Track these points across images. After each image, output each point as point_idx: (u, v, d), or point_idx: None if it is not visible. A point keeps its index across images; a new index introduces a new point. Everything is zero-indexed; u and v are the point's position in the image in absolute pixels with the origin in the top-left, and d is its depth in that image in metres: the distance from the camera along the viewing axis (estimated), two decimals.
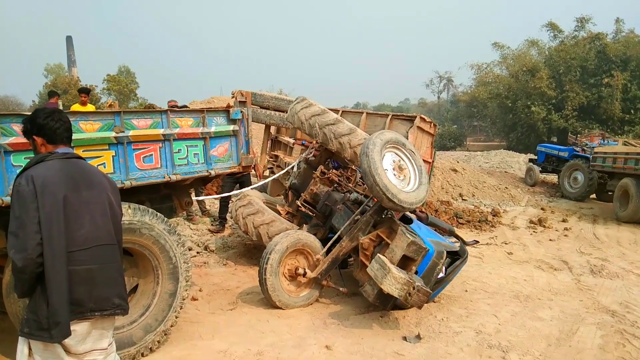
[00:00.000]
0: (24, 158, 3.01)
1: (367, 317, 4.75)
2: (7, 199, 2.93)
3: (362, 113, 8.56)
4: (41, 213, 2.14)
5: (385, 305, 4.58)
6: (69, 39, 56.92)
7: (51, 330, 2.17)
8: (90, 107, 9.32)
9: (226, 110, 4.19)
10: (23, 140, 2.97)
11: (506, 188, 14.23)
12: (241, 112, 4.24)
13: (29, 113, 3.03)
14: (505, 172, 18.40)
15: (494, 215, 10.36)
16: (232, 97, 4.44)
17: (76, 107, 9.07)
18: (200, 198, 7.31)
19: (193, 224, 7.81)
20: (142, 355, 3.73)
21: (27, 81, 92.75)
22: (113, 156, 3.46)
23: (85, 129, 3.31)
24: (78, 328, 2.28)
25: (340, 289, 5.09)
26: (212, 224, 8.04)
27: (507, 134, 37.00)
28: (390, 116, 8.19)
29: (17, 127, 2.98)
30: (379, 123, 8.21)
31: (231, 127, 4.20)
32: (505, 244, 8.35)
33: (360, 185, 6.01)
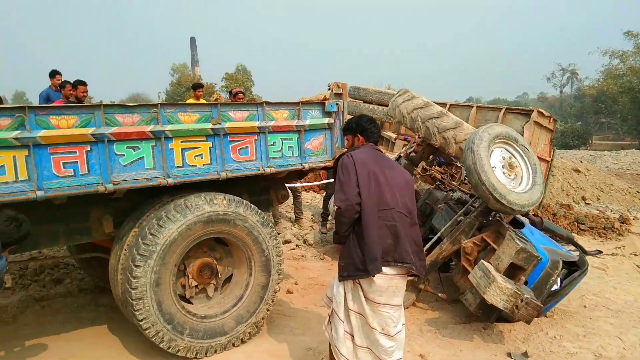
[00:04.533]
0: (126, 147, 3.13)
1: (467, 327, 4.39)
2: (110, 187, 3.06)
3: (472, 107, 8.05)
4: (359, 178, 2.83)
5: (488, 316, 4.19)
6: (192, 40, 61.32)
7: (368, 267, 2.75)
8: (203, 102, 9.79)
9: (321, 103, 4.08)
10: (125, 130, 3.12)
11: (637, 192, 12.65)
12: (337, 104, 4.10)
13: (132, 104, 3.19)
14: (638, 174, 16.39)
15: (622, 223, 9.20)
16: (329, 90, 4.28)
17: (190, 101, 9.59)
18: (296, 184, 7.23)
19: (299, 226, 7.82)
20: (233, 345, 3.78)
21: (155, 79, 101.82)
22: (210, 147, 3.50)
23: (184, 120, 3.38)
24: (379, 281, 2.79)
25: (440, 294, 4.77)
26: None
27: None
28: (503, 110, 7.59)
29: (120, 118, 3.10)
30: (490, 117, 7.63)
31: (326, 120, 4.08)
32: (635, 255, 7.34)
33: (465, 184, 5.59)
